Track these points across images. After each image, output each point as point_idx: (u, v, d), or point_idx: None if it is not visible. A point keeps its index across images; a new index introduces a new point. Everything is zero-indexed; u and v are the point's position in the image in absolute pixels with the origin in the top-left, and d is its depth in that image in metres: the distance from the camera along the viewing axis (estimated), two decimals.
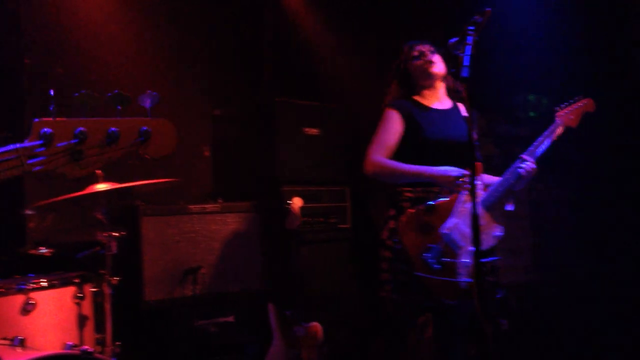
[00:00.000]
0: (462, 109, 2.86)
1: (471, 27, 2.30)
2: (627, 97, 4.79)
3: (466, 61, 2.14)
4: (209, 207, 3.46)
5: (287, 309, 3.60)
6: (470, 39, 2.24)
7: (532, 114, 4.72)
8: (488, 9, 2.31)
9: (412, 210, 2.58)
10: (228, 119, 4.19)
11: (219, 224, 3.44)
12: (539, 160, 2.66)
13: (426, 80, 2.83)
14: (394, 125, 2.75)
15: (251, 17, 4.40)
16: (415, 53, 2.83)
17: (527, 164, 2.57)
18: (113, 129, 1.59)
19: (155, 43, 3.87)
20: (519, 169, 2.57)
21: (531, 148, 2.63)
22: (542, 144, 2.64)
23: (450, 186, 2.54)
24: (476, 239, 2.03)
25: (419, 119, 2.74)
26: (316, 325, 3.67)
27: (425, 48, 2.84)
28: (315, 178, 4.05)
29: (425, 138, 2.71)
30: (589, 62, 4.91)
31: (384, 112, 2.82)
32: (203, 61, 4.11)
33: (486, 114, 4.45)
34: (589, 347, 4.02)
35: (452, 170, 2.55)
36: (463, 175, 2.52)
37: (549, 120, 2.71)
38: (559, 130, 2.69)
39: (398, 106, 2.79)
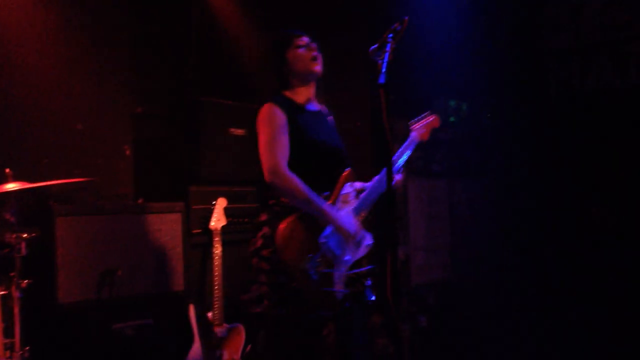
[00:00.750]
0: (327, 112, 2.78)
1: (390, 35, 2.36)
2: (539, 102, 5.06)
3: (384, 68, 2.18)
4: (128, 206, 3.37)
5: (208, 310, 3.57)
6: (388, 47, 2.30)
7: (452, 119, 4.90)
8: (406, 18, 2.37)
9: (291, 218, 2.38)
10: (151, 118, 4.10)
11: (139, 225, 3.35)
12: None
13: (306, 75, 2.62)
14: (281, 123, 2.48)
15: (177, 15, 4.32)
16: (301, 42, 2.63)
17: (398, 177, 2.69)
18: None
19: (74, 38, 3.73)
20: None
21: (394, 159, 2.69)
22: (403, 155, 2.75)
23: (347, 239, 2.44)
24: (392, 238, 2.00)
25: (298, 121, 2.52)
26: (239, 327, 3.67)
27: (308, 40, 2.66)
28: (240, 178, 4.03)
29: (304, 142, 2.50)
30: (505, 69, 5.15)
31: (264, 107, 2.53)
32: (126, 58, 4.00)
33: (407, 118, 4.57)
34: (504, 341, 4.21)
35: (353, 226, 2.46)
36: (358, 233, 2.46)
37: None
38: (415, 143, 2.83)
39: (280, 103, 2.54)
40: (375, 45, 2.52)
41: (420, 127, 2.87)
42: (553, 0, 5.29)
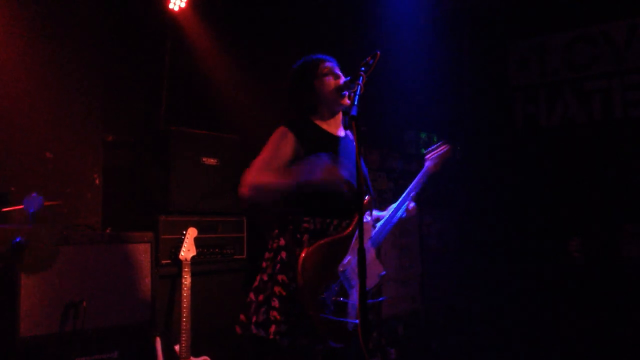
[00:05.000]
0: (352, 138, 2.73)
1: (362, 68, 2.40)
2: (506, 136, 5.18)
3: (356, 100, 2.22)
4: (95, 237, 3.30)
5: (175, 343, 3.50)
6: (360, 80, 2.34)
7: (422, 150, 4.98)
8: (378, 52, 2.43)
9: (313, 246, 2.33)
10: (121, 146, 4.06)
11: (106, 255, 3.28)
12: (423, 198, 2.79)
13: (333, 105, 2.58)
14: (284, 147, 2.44)
15: (150, 43, 4.33)
16: (326, 70, 2.60)
17: (412, 206, 2.69)
18: None
19: (44, 64, 3.69)
20: (405, 213, 2.66)
21: (412, 187, 2.73)
22: (419, 184, 2.76)
23: (333, 177, 2.34)
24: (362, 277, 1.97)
25: (319, 147, 2.46)
26: (206, 359, 3.60)
27: (332, 66, 2.63)
28: (211, 208, 3.99)
29: None
30: (474, 103, 5.27)
31: (278, 129, 2.49)
32: (97, 86, 3.96)
33: (380, 149, 4.63)
34: None
35: (324, 159, 2.35)
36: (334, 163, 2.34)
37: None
38: (429, 173, 2.82)
39: (295, 127, 2.49)
40: (348, 78, 2.57)
41: (434, 158, 2.84)
42: (520, 37, 5.45)
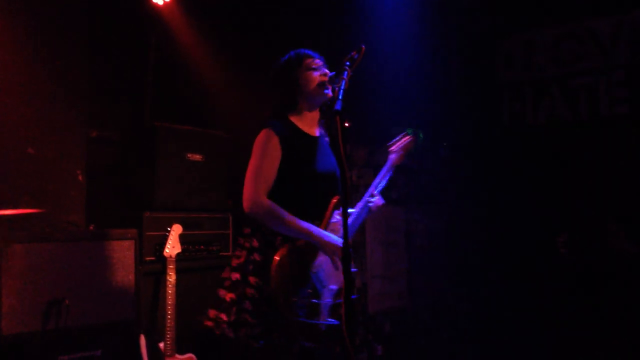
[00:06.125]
0: (326, 137, 2.75)
1: (347, 63, 2.38)
2: (493, 133, 5.18)
3: (340, 95, 2.19)
4: (78, 234, 3.26)
5: (159, 340, 3.47)
6: (345, 74, 2.32)
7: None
8: (363, 46, 2.41)
9: (285, 249, 2.34)
10: (105, 142, 4.01)
11: (89, 252, 3.24)
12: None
13: (315, 100, 2.56)
14: (273, 153, 2.44)
15: (134, 39, 4.28)
16: (314, 65, 2.58)
17: (377, 199, 2.68)
18: None
19: (27, 60, 3.63)
20: (370, 204, 2.65)
21: (376, 182, 2.73)
22: (384, 178, 2.76)
23: (333, 256, 2.38)
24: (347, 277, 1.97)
25: (298, 149, 2.49)
26: (191, 357, 3.57)
27: (322, 63, 2.61)
28: (196, 205, 3.96)
29: (299, 170, 2.48)
30: (461, 100, 5.27)
31: (262, 133, 2.48)
32: (81, 81, 3.91)
33: (367, 146, 4.62)
34: None
35: (339, 240, 2.36)
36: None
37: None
38: (394, 165, 2.83)
39: (277, 130, 2.48)
40: (333, 73, 2.55)
41: (397, 149, 2.86)
42: (507, 33, 5.45)
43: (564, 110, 5.19)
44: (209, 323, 2.43)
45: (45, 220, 3.34)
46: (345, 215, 2.06)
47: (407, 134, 2.92)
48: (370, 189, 2.69)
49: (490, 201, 4.78)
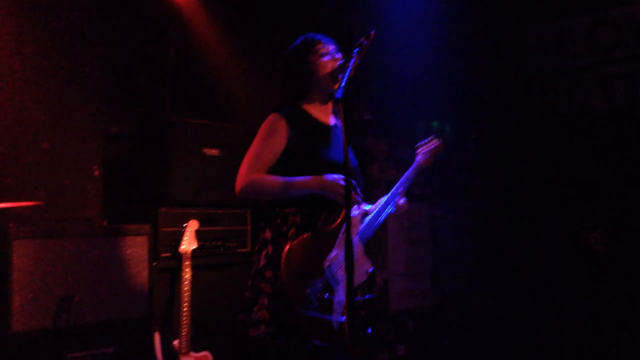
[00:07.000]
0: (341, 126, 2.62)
1: (355, 50, 2.26)
2: (524, 125, 4.98)
3: (343, 82, 2.08)
4: (91, 229, 3.22)
5: (174, 338, 3.42)
6: (352, 62, 2.20)
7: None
8: (372, 32, 2.29)
9: (299, 239, 2.25)
10: (122, 137, 3.98)
11: (102, 248, 3.20)
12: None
13: (328, 88, 2.44)
14: (277, 139, 2.35)
15: (153, 33, 4.24)
16: (325, 50, 2.47)
17: (402, 202, 2.54)
18: None
19: (43, 53, 3.62)
20: (393, 208, 2.52)
21: (402, 182, 2.60)
22: (408, 179, 2.63)
23: (337, 194, 2.24)
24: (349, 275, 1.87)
25: (310, 136, 2.39)
26: (206, 355, 3.51)
27: (334, 49, 2.50)
28: (213, 200, 3.90)
29: (310, 160, 2.37)
30: (490, 91, 5.08)
31: (269, 117, 2.40)
32: (97, 75, 3.89)
33: (388, 139, 4.48)
34: None
35: (336, 177, 2.25)
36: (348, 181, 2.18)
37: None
38: (420, 168, 2.69)
39: (286, 114, 2.39)
40: (342, 61, 2.44)
41: (425, 152, 2.72)
42: (539, 21, 5.24)
43: (599, 99, 4.96)
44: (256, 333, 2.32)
45: (59, 216, 3.32)
46: (347, 212, 1.95)
47: (436, 138, 2.78)
48: (394, 190, 2.56)
49: (519, 196, 4.59)
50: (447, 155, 2.58)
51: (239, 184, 2.33)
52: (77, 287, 3.06)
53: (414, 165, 2.66)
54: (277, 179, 2.30)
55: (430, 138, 2.77)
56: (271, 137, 2.36)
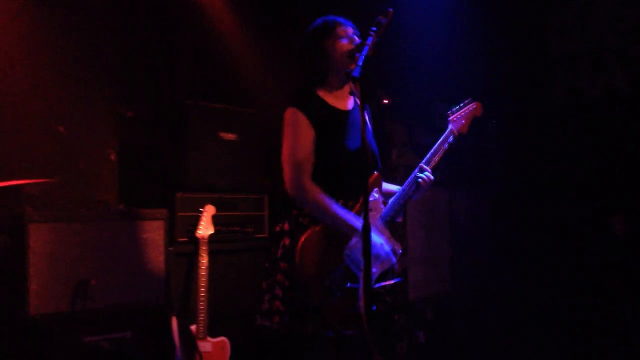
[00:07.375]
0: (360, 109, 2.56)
1: (373, 28, 2.20)
2: (545, 109, 4.87)
3: (360, 61, 2.01)
4: (107, 213, 3.21)
5: (191, 323, 3.40)
6: (370, 40, 2.14)
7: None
8: (390, 9, 2.22)
9: (314, 229, 2.22)
10: (138, 122, 3.96)
11: (118, 232, 3.19)
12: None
13: (345, 68, 2.35)
14: (305, 133, 2.30)
15: (168, 17, 4.20)
16: (342, 32, 2.38)
17: (426, 174, 2.43)
18: None
19: (60, 39, 3.60)
20: (419, 179, 2.41)
21: (428, 156, 2.49)
22: (439, 151, 2.51)
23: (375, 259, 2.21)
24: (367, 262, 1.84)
25: (327, 126, 2.34)
26: (224, 340, 3.50)
27: (352, 31, 2.42)
28: (231, 185, 3.87)
29: (329, 147, 2.33)
30: (510, 74, 4.97)
31: (288, 112, 2.34)
32: (113, 60, 3.87)
33: (407, 124, 4.41)
34: (505, 358, 4.01)
35: (382, 246, 2.24)
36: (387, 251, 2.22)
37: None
38: (452, 137, 2.56)
39: (303, 107, 2.33)
40: (360, 41, 2.37)
41: (459, 118, 2.58)
42: (560, 3, 5.11)
43: (622, 82, 4.83)
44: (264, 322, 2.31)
45: (75, 200, 3.31)
46: (365, 197, 1.90)
47: (472, 101, 2.62)
48: (423, 162, 2.46)
49: (541, 180, 4.49)
50: (484, 119, 2.47)
51: (295, 190, 2.26)
52: (93, 271, 3.06)
53: (445, 134, 2.54)
54: (333, 208, 2.24)
55: (465, 102, 2.62)
56: (299, 133, 2.31)
